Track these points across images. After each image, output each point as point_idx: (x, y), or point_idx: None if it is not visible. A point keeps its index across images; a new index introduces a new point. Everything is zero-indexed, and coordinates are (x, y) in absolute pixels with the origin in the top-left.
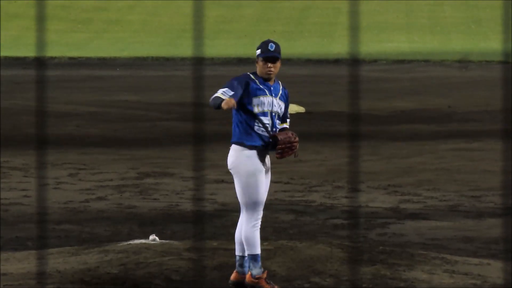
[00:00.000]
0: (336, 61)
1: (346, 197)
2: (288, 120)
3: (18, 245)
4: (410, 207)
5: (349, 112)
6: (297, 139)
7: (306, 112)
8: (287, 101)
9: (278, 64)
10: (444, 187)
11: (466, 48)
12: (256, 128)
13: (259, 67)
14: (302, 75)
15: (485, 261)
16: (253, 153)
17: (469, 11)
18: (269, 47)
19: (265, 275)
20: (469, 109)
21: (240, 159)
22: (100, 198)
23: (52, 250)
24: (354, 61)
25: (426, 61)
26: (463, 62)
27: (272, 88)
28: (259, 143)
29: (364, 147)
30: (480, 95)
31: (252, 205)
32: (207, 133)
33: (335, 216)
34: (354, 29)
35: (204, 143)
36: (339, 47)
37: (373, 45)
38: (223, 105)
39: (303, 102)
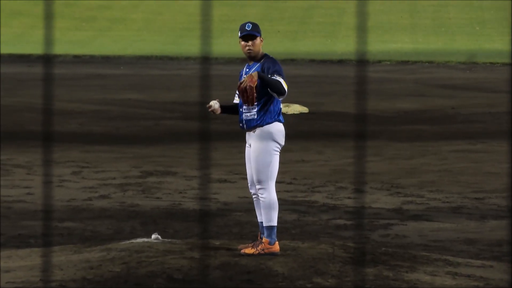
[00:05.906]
0: (340, 62)
1: (349, 197)
2: (276, 76)
3: (20, 243)
4: (413, 208)
5: (353, 112)
6: (246, 85)
7: (310, 112)
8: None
9: (257, 41)
10: (447, 188)
11: (470, 49)
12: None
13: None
14: (305, 75)
15: (488, 263)
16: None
17: (473, 12)
18: (246, 27)
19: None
20: (473, 111)
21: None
22: (102, 196)
23: (54, 247)
24: (358, 62)
25: (430, 62)
26: (468, 64)
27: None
28: None
29: (367, 147)
30: (484, 96)
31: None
32: (210, 132)
33: (338, 217)
34: (361, 29)
35: (207, 142)
36: (343, 47)
37: (377, 45)
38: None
39: (307, 102)
